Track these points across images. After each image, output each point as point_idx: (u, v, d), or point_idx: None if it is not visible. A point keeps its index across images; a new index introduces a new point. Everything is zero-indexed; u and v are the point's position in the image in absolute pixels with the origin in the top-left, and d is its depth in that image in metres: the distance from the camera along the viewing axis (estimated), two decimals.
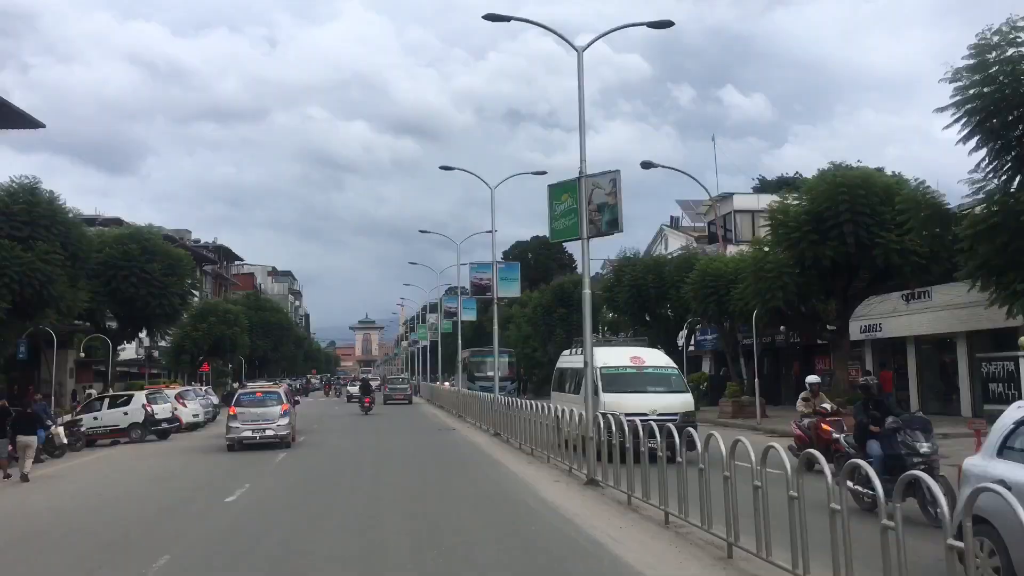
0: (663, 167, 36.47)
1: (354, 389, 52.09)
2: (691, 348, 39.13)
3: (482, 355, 28.03)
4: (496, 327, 31.19)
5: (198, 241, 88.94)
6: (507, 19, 18.63)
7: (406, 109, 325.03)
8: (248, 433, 23.25)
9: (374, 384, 54.12)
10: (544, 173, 29.00)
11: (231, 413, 23.86)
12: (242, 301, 74.52)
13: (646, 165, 36.68)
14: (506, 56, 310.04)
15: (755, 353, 26.38)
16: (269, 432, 23.30)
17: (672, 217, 49.65)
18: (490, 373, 30.24)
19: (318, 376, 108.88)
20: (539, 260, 74.67)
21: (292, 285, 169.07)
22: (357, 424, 35.03)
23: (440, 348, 56.23)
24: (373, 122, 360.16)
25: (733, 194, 40.73)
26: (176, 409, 29.27)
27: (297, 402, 27.79)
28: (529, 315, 52.92)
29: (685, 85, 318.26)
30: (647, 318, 36.16)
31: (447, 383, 49.34)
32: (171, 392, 30.24)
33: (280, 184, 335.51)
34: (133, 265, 33.96)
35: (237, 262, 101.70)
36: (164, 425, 27.20)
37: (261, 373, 77.40)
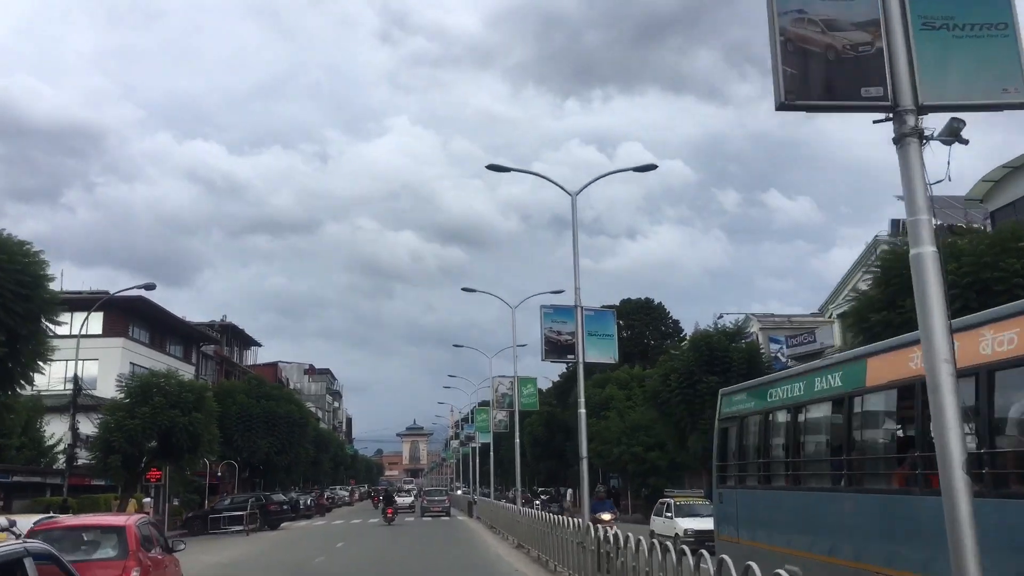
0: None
1: (400, 500, 52.92)
2: None
3: None
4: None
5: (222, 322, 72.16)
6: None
7: (453, 218, 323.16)
8: None
9: (413, 494, 57.70)
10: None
11: None
12: (238, 387, 56.46)
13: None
14: (550, 165, 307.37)
15: None
16: None
17: (894, 222, 30.60)
18: None
19: (349, 487, 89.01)
20: (635, 331, 55.37)
21: (331, 385, 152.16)
22: None
23: (522, 435, 36.48)
24: (421, 231, 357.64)
25: None
26: None
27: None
28: (649, 393, 33.63)
29: (730, 190, 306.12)
30: None
31: (567, 503, 28.55)
32: None
33: (330, 294, 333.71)
34: None
35: (253, 347, 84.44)
36: None
37: (266, 484, 58.47)
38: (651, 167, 20.62)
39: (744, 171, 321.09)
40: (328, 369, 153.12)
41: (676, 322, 55.40)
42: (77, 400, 35.00)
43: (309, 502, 51.58)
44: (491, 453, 38.80)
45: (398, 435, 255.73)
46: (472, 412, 44.35)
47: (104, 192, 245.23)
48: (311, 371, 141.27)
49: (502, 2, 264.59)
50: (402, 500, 54.62)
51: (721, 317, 32.55)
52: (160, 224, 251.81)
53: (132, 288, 36.51)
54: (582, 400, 19.06)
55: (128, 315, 52.07)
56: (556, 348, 21.84)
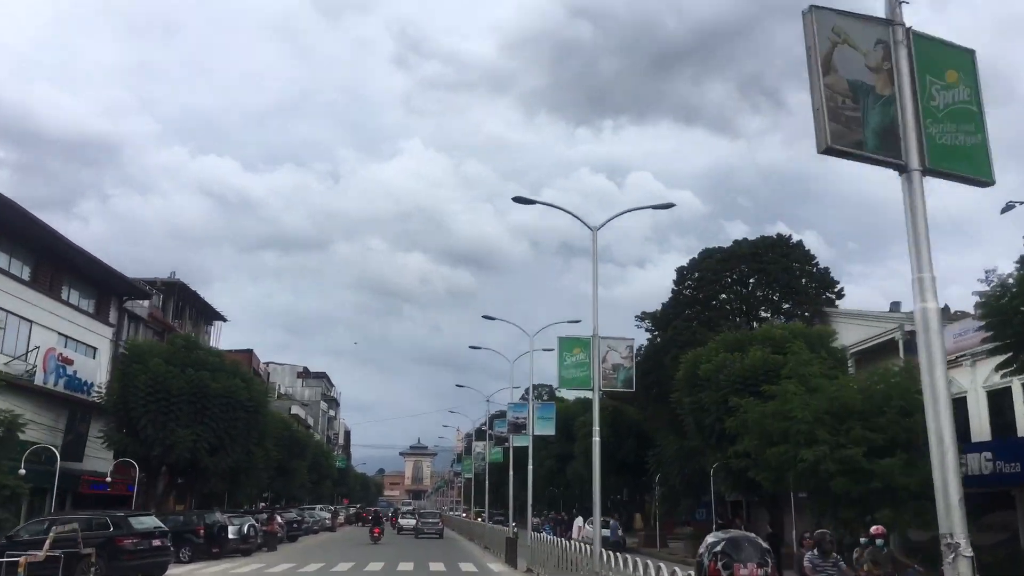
0: None
1: (404, 522, 60.28)
2: None
3: None
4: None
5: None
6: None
7: (463, 241, 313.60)
8: None
9: (416, 515, 60.71)
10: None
11: None
12: (153, 348, 37.48)
13: None
14: (559, 192, 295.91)
15: None
16: None
17: None
18: None
19: (332, 508, 69.36)
20: (770, 277, 35.80)
21: (327, 391, 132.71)
22: None
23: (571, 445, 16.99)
24: (430, 253, 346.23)
25: None
26: None
27: None
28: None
29: (738, 222, 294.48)
30: None
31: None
32: None
33: (338, 312, 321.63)
34: None
35: (217, 322, 64.97)
36: None
37: (201, 499, 39.06)
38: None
39: (753, 203, 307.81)
40: (324, 372, 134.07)
41: (826, 270, 36.10)
42: None
43: (247, 529, 32.15)
44: (596, 435, 17.99)
45: (401, 453, 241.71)
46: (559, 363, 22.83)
47: (118, 204, 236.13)
48: (305, 374, 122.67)
49: (518, 29, 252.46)
50: (406, 522, 59.42)
51: None
52: (172, 238, 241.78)
53: None
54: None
55: None
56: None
